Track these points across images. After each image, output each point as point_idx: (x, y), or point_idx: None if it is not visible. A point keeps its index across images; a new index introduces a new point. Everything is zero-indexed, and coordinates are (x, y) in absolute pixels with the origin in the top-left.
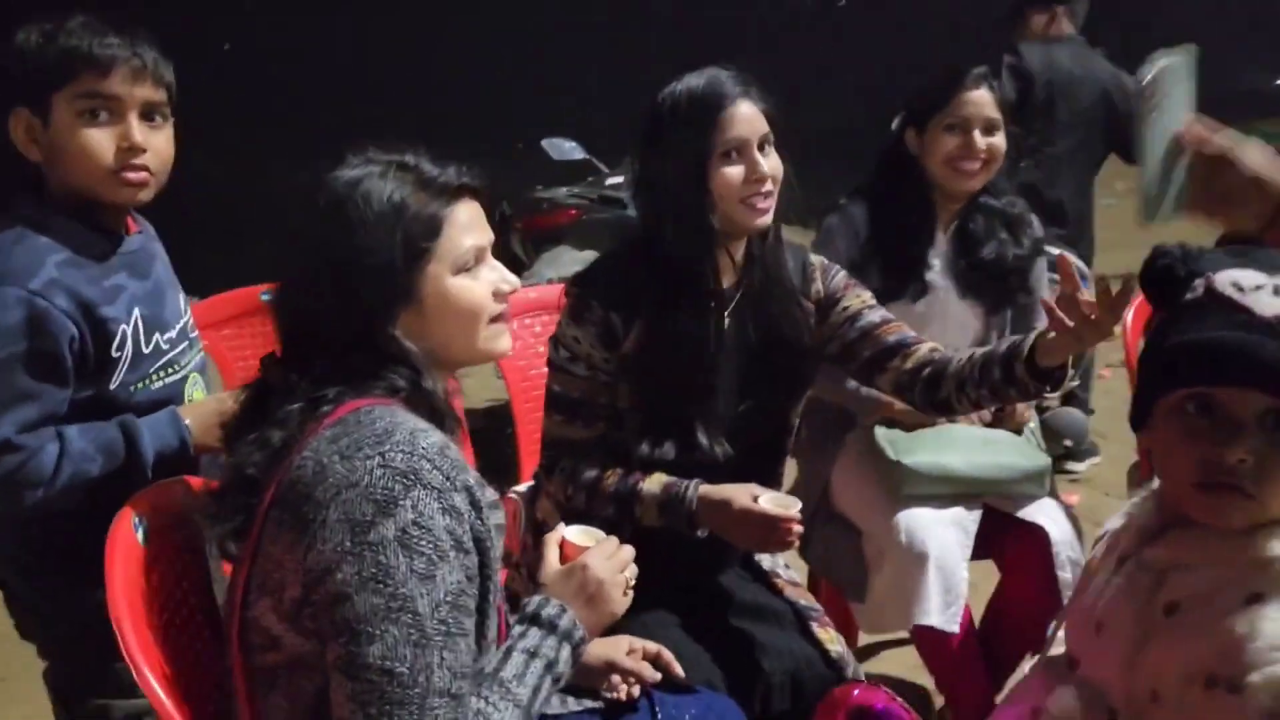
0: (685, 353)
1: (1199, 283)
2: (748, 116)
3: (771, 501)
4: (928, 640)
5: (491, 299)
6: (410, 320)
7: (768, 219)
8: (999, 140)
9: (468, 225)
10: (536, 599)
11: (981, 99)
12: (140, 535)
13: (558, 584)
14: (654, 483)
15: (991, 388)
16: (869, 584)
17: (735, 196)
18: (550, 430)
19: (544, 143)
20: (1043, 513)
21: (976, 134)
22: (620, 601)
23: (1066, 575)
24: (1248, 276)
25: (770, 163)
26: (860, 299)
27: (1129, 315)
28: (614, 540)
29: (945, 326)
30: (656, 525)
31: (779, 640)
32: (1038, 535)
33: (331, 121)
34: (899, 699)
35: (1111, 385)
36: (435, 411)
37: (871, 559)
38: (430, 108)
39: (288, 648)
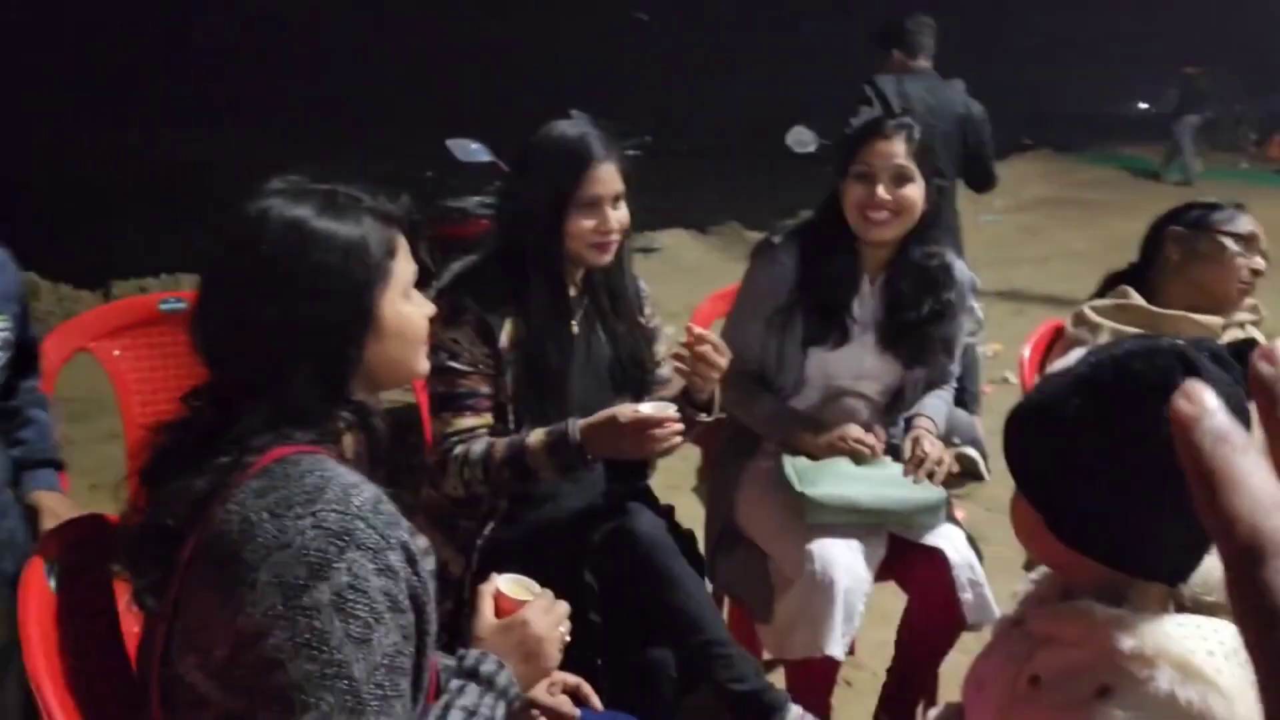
0: (542, 351)
1: None
2: (607, 176)
3: (650, 407)
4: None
5: (427, 323)
6: (368, 345)
7: (608, 258)
8: (909, 192)
9: (407, 252)
10: (474, 654)
11: (891, 149)
12: (53, 583)
13: (495, 639)
14: (537, 434)
15: None
16: (775, 607)
17: (584, 241)
18: (440, 430)
19: (449, 143)
20: (942, 537)
21: (882, 184)
22: (556, 657)
23: (968, 596)
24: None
25: (618, 215)
26: (663, 348)
27: (1027, 347)
28: (549, 594)
29: (859, 375)
30: (550, 472)
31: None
32: (938, 559)
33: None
34: None
35: (993, 401)
36: (376, 449)
37: (778, 583)
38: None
39: (217, 705)
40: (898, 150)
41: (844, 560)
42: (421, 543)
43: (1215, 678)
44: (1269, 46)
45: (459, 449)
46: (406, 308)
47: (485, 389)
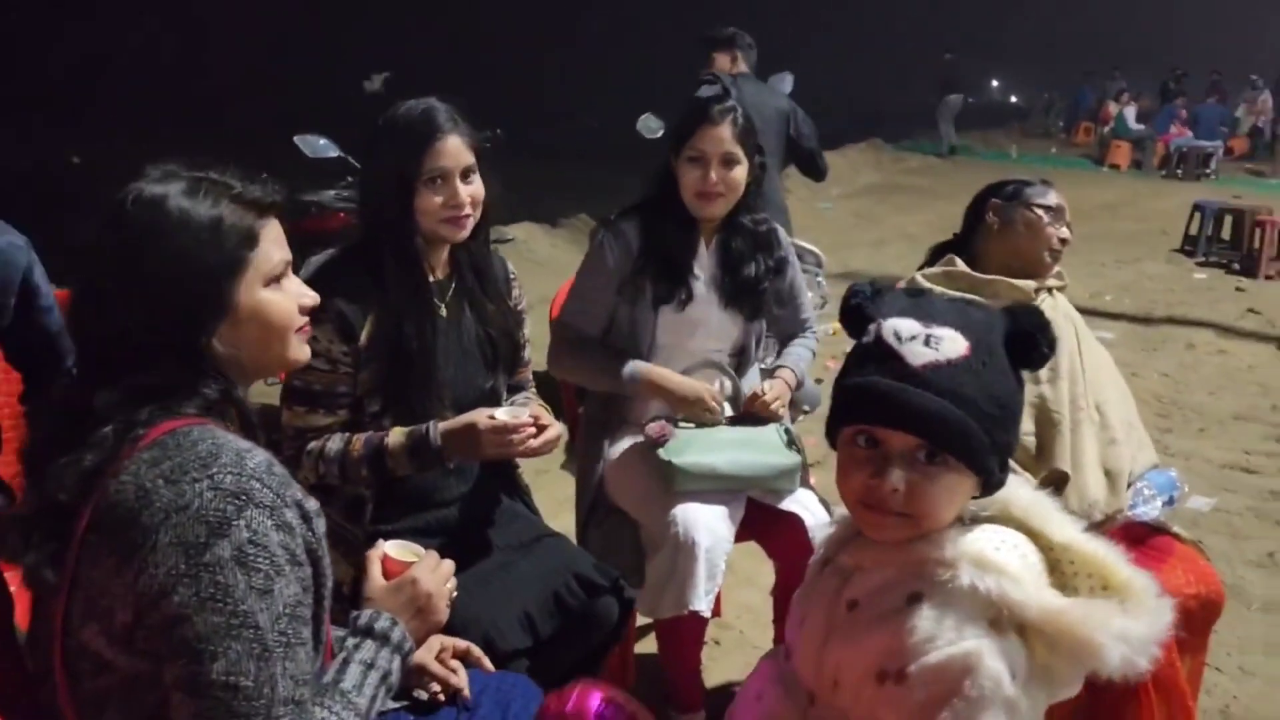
0: (409, 339)
1: (871, 328)
2: (453, 149)
3: (506, 413)
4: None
5: (297, 311)
6: (225, 331)
7: (464, 234)
8: (737, 173)
9: (277, 239)
10: (368, 613)
11: (720, 135)
12: None
13: (387, 598)
14: (397, 434)
15: None
16: (646, 571)
17: (436, 217)
18: (292, 422)
19: (296, 139)
20: (798, 503)
21: (714, 168)
22: (445, 612)
23: None
24: (907, 326)
25: (471, 189)
26: (527, 330)
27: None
28: (434, 554)
29: (709, 332)
30: (408, 471)
31: (537, 566)
32: (795, 524)
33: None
34: (619, 695)
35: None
36: (247, 423)
37: (648, 548)
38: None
39: (121, 669)
40: (725, 135)
41: (705, 521)
42: (313, 504)
43: (1005, 566)
44: (1084, 44)
45: (313, 444)
46: (268, 295)
47: (343, 387)
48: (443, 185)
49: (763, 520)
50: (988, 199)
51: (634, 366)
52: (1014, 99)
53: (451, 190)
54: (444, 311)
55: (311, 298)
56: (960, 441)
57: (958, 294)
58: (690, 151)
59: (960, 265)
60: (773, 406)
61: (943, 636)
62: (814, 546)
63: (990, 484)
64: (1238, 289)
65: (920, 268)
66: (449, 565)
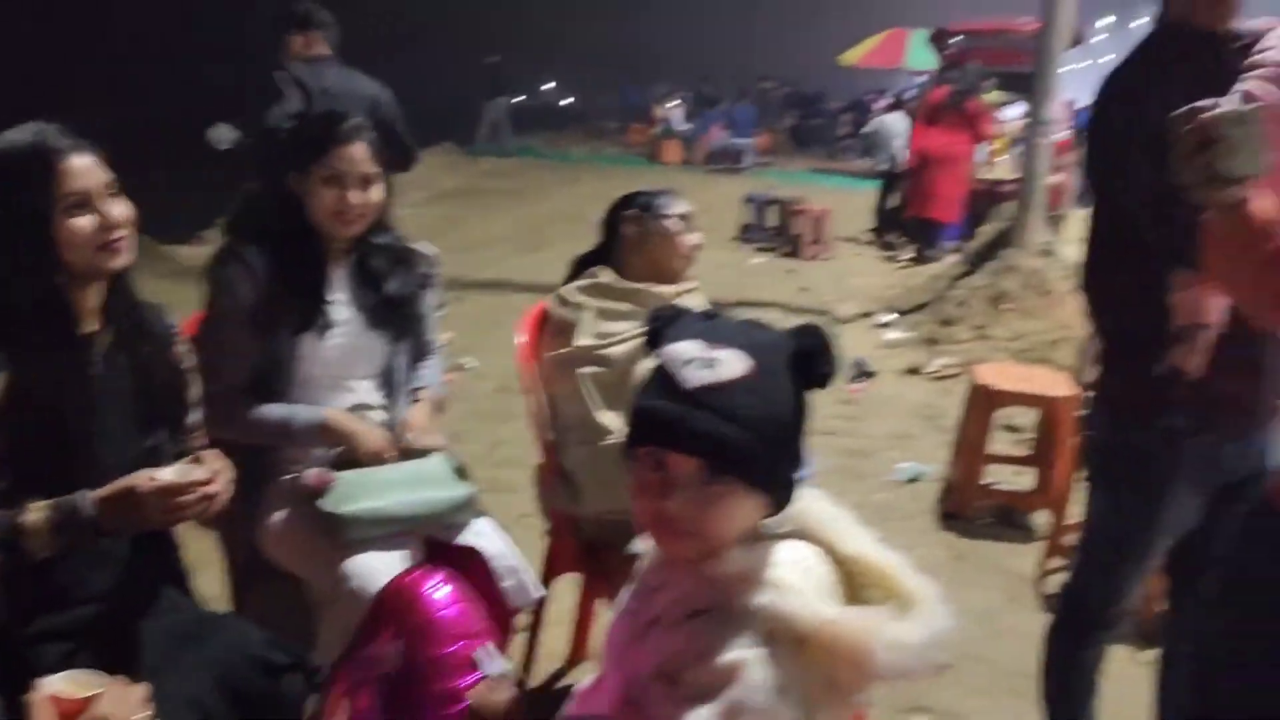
0: (55, 403)
1: (659, 352)
2: (85, 168)
3: (173, 472)
4: None
5: None
6: None
7: (126, 259)
8: (374, 193)
9: None
10: None
11: (357, 154)
12: None
13: None
14: (37, 510)
15: None
16: (319, 630)
17: (89, 245)
18: None
19: None
20: (475, 534)
21: (353, 190)
22: None
23: (509, 584)
24: (688, 349)
25: (119, 209)
26: (195, 385)
27: (523, 334)
28: (119, 683)
29: (355, 358)
30: (53, 551)
31: (206, 656)
32: (477, 556)
33: None
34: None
35: (458, 389)
36: None
37: (319, 606)
38: None
39: None
40: (360, 155)
41: (383, 568)
42: None
43: (782, 581)
44: (629, 50)
45: None
46: None
47: None
48: (88, 208)
49: (443, 558)
50: (621, 212)
51: (313, 415)
52: (566, 101)
53: (102, 211)
54: (98, 366)
55: None
56: (738, 462)
57: (748, 316)
58: (324, 172)
59: (607, 276)
60: (425, 440)
61: (715, 648)
62: (497, 575)
63: (778, 501)
64: (788, 271)
65: (565, 281)
66: (140, 691)
